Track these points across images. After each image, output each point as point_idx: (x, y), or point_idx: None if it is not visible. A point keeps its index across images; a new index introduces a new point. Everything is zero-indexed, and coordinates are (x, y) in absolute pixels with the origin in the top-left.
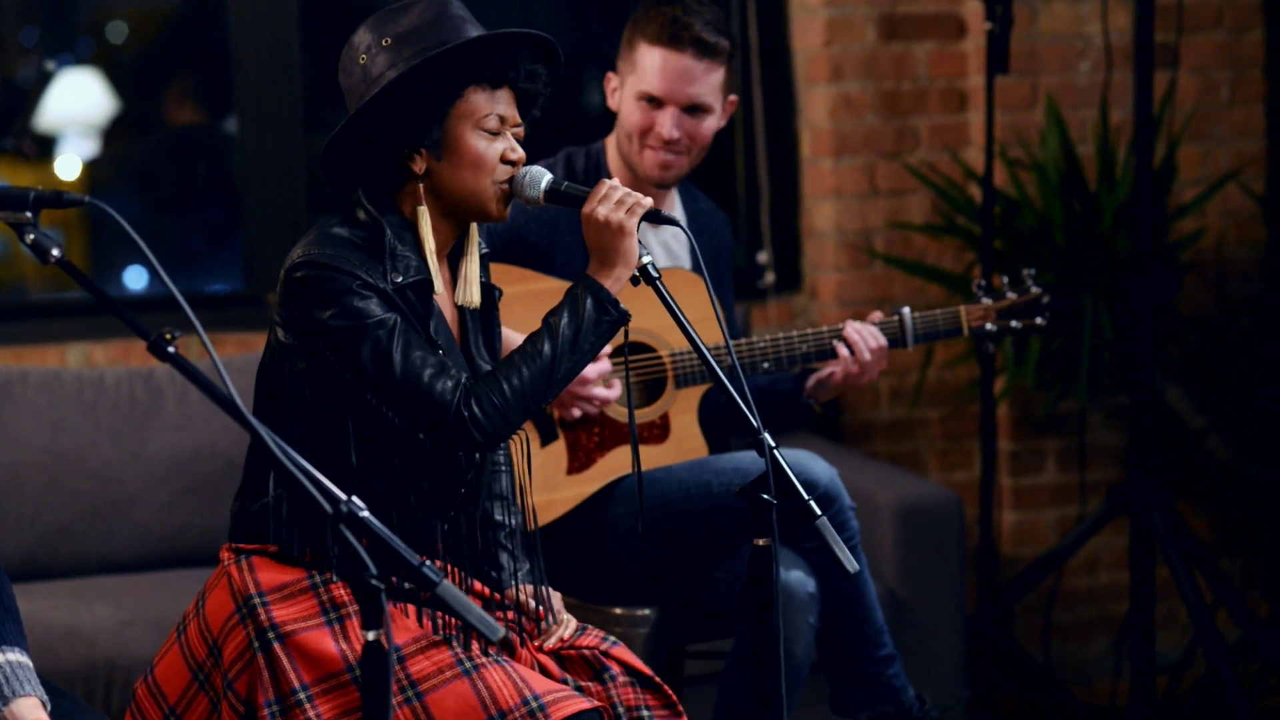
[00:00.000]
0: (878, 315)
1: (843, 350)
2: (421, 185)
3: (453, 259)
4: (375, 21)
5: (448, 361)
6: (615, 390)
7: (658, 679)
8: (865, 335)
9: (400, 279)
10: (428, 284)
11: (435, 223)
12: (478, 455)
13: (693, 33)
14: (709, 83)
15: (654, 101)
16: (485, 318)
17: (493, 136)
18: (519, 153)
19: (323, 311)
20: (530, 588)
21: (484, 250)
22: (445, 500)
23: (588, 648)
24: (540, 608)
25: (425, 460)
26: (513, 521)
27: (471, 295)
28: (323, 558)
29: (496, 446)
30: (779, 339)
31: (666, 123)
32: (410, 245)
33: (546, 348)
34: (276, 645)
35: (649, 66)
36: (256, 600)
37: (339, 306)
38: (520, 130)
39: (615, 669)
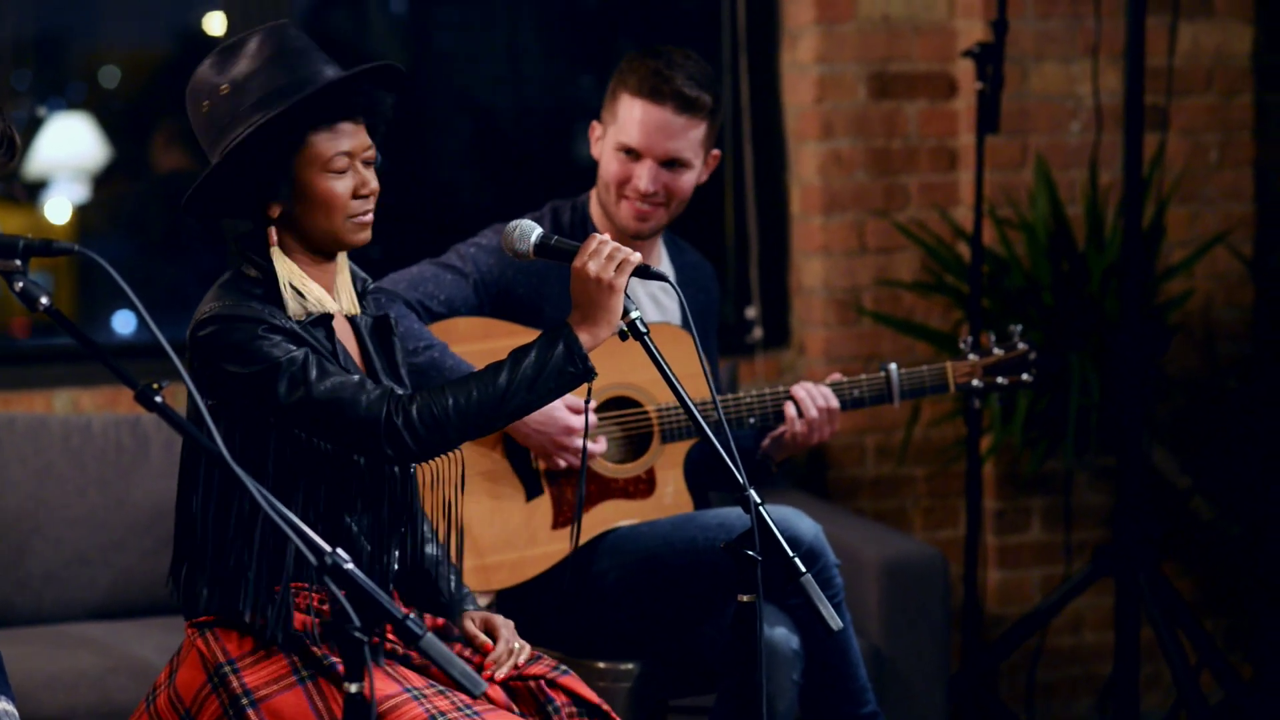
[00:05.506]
0: (837, 375)
1: (790, 410)
2: (277, 229)
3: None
4: (214, 61)
5: (365, 379)
6: (601, 445)
7: (605, 706)
8: (814, 395)
9: (304, 317)
10: (327, 317)
11: (305, 257)
12: (400, 471)
13: (674, 86)
14: (689, 138)
15: (632, 154)
16: (384, 344)
17: (340, 175)
18: (370, 185)
19: (234, 361)
20: (478, 616)
21: (365, 279)
22: (384, 533)
23: (535, 676)
24: (472, 629)
25: (360, 491)
26: (437, 550)
27: (351, 304)
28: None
29: (429, 457)
30: (729, 398)
31: (644, 176)
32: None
33: (504, 378)
34: (250, 712)
35: (629, 118)
36: (227, 668)
37: (249, 352)
38: (371, 153)
39: (561, 700)
